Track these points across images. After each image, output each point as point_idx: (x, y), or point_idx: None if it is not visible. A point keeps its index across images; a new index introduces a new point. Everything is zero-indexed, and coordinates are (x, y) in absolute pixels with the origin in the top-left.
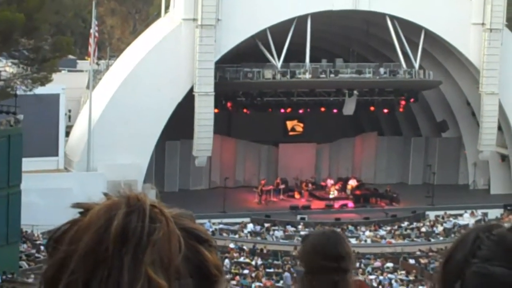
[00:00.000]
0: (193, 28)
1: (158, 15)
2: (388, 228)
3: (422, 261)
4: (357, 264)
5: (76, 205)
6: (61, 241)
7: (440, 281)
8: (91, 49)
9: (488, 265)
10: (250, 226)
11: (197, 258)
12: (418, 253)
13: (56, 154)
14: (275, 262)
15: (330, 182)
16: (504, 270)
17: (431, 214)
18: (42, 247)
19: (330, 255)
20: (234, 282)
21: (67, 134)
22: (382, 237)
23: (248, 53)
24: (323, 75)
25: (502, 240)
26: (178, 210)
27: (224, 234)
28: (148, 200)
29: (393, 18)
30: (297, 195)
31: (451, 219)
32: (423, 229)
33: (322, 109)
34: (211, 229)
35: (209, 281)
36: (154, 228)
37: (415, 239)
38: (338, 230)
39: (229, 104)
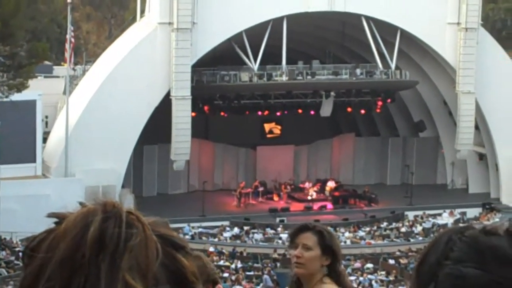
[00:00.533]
0: (169, 32)
1: (133, 20)
2: (368, 229)
3: (402, 261)
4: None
5: (52, 215)
6: (37, 250)
7: (415, 283)
8: (67, 54)
9: (460, 267)
10: (228, 230)
11: (174, 264)
12: (398, 253)
13: (34, 161)
14: (255, 265)
15: (308, 184)
16: (476, 272)
17: (410, 214)
18: (21, 254)
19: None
20: None
21: (45, 140)
22: (361, 238)
23: (224, 56)
24: (300, 77)
25: (474, 241)
26: (153, 217)
27: (204, 238)
28: (124, 207)
29: (368, 19)
30: (276, 198)
31: (430, 219)
32: (403, 230)
33: (300, 111)
34: (190, 233)
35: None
36: (131, 234)
37: (394, 239)
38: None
39: (206, 108)
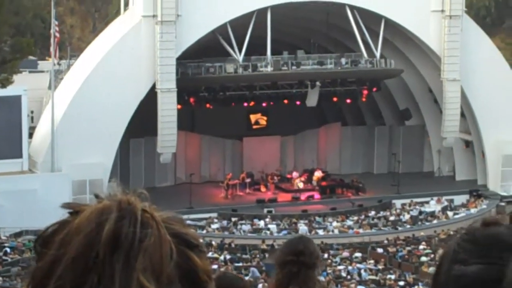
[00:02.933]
0: (153, 25)
1: (117, 13)
2: (355, 218)
3: (390, 249)
4: (326, 255)
5: (66, 205)
6: (50, 243)
7: None
8: (52, 49)
9: (462, 266)
10: (216, 222)
11: (187, 263)
12: (386, 241)
13: (20, 156)
14: (244, 256)
15: (295, 174)
16: (479, 267)
17: (398, 203)
18: (8, 250)
19: (291, 251)
20: None
21: (30, 135)
22: (349, 227)
23: (209, 48)
24: (285, 68)
25: (473, 237)
26: (168, 213)
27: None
28: (139, 204)
29: (352, 8)
30: (263, 189)
31: (417, 206)
32: (391, 218)
33: (285, 101)
34: None
35: (198, 287)
36: (145, 234)
37: (382, 228)
38: (306, 224)
39: (192, 100)
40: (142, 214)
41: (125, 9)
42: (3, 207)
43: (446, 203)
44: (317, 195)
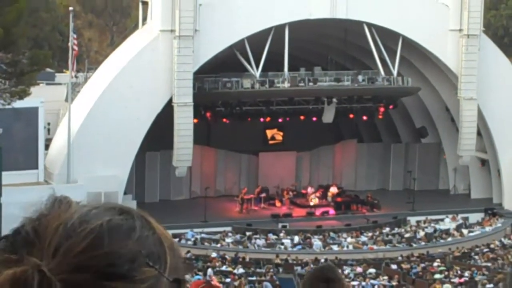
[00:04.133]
0: (171, 39)
1: (135, 27)
2: (370, 234)
3: (404, 266)
4: (340, 271)
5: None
6: None
7: None
8: (69, 62)
9: None
10: (230, 236)
11: None
12: (400, 258)
13: (36, 167)
14: (257, 270)
15: (311, 189)
16: None
17: (412, 220)
18: None
19: (322, 279)
20: None
21: (47, 147)
22: (364, 243)
23: (226, 63)
24: (302, 84)
25: None
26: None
27: (206, 244)
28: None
29: (370, 25)
30: (278, 203)
31: (432, 224)
32: (407, 235)
33: (302, 117)
34: (192, 239)
35: None
36: None
37: (396, 244)
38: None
39: (208, 114)
40: (41, 285)
41: (143, 23)
42: (18, 218)
43: (461, 221)
44: (332, 211)
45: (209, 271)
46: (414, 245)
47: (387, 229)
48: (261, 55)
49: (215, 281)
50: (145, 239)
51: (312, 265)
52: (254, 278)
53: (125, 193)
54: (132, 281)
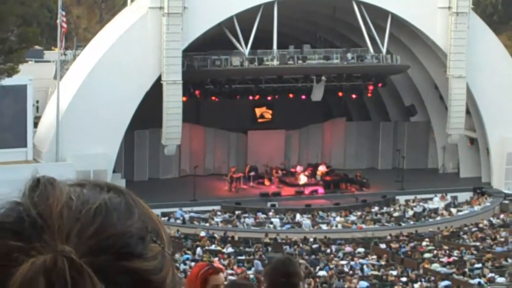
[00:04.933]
0: (160, 17)
1: (124, 4)
2: (359, 213)
3: (393, 245)
4: (328, 250)
5: None
6: None
7: None
8: (58, 39)
9: None
10: (219, 215)
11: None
12: (389, 237)
13: (25, 145)
14: (247, 249)
15: (300, 168)
16: None
17: (401, 199)
18: None
19: (283, 273)
20: None
21: (35, 125)
22: (352, 222)
23: (215, 40)
24: (291, 62)
25: None
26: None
27: (195, 222)
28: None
29: (359, 3)
30: (267, 182)
31: (421, 203)
32: (395, 214)
33: (291, 95)
34: (181, 218)
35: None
36: None
37: (385, 223)
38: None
39: (197, 92)
40: (71, 272)
41: (132, 0)
42: (7, 196)
43: (450, 200)
44: (321, 190)
45: (198, 250)
46: (403, 224)
47: (376, 208)
48: (250, 32)
49: (217, 263)
50: (145, 216)
51: (301, 244)
52: (243, 257)
53: (114, 172)
54: (146, 259)
